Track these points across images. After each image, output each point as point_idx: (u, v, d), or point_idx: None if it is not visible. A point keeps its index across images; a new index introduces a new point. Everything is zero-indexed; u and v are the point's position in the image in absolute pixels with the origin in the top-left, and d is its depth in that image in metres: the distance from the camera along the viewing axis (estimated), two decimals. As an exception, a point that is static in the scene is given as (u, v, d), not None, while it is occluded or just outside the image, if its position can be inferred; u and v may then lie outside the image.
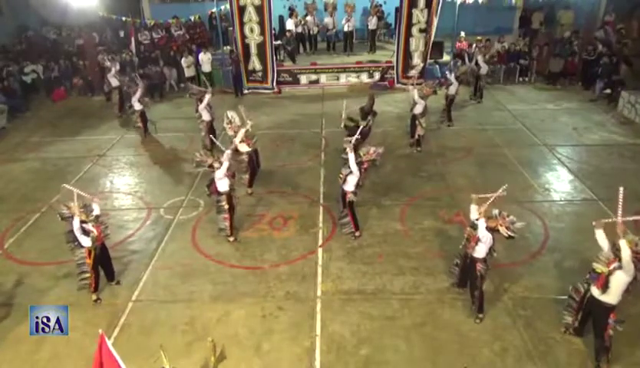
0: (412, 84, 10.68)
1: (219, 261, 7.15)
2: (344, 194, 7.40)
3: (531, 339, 5.59)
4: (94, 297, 6.35)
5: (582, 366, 5.28)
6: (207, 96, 10.43)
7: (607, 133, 11.46)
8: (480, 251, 5.65)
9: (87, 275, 6.25)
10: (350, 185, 7.26)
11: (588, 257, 6.83)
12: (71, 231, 6.04)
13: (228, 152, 7.42)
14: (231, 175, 7.39)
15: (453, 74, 11.86)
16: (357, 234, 7.58)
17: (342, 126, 9.51)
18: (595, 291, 5.15)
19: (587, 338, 5.54)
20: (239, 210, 8.22)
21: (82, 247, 6.11)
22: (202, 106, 10.35)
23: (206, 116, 10.44)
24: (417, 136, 10.42)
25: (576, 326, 5.57)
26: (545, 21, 18.05)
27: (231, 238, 7.61)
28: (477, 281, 5.74)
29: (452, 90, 11.78)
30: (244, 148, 8.79)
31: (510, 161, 10.08)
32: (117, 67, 13.56)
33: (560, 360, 5.33)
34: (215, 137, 10.68)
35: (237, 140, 8.47)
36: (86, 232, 6.00)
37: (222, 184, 7.29)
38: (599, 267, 5.12)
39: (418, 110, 10.15)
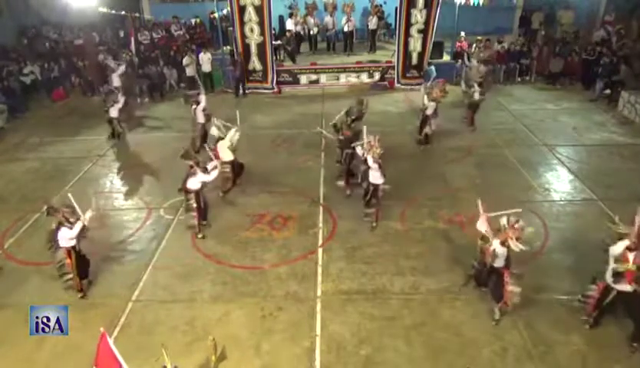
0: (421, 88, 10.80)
1: (219, 261, 7.15)
2: (374, 189, 7.50)
3: (531, 339, 5.59)
4: (80, 295, 6.41)
5: (582, 367, 5.28)
6: (202, 98, 10.50)
7: (607, 133, 11.46)
8: (500, 261, 5.58)
9: (71, 275, 6.29)
10: (377, 178, 7.39)
11: (587, 258, 6.88)
12: (53, 232, 6.13)
13: (216, 163, 7.66)
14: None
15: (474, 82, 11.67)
16: (374, 224, 7.76)
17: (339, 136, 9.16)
18: (628, 287, 5.19)
19: (586, 338, 5.55)
20: (238, 210, 8.26)
21: (60, 247, 6.17)
22: (199, 108, 10.38)
23: (200, 119, 10.49)
24: (424, 134, 10.51)
25: (592, 320, 5.66)
26: (546, 21, 18.06)
27: (199, 235, 7.69)
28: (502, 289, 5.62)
29: (476, 96, 11.50)
30: (228, 156, 8.53)
31: (510, 161, 10.08)
32: (122, 69, 13.58)
33: (560, 360, 5.33)
34: (206, 140, 10.73)
35: (226, 144, 8.49)
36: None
37: (193, 183, 7.41)
38: (621, 267, 5.15)
39: (430, 111, 10.31)
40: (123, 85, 13.58)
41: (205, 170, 7.49)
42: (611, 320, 5.82)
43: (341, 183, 8.81)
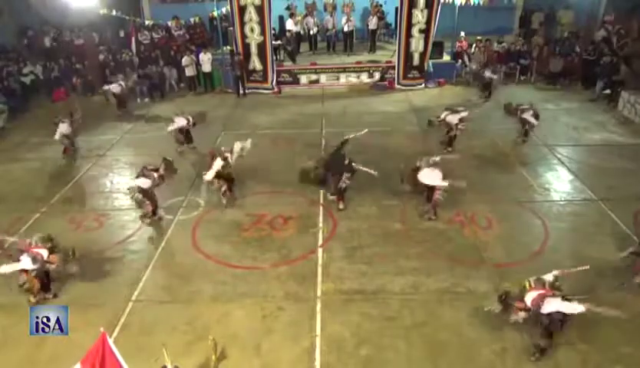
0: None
1: (219, 261, 7.15)
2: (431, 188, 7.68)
3: (531, 339, 5.58)
4: (33, 300, 6.19)
5: (582, 366, 5.27)
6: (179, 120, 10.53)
7: (607, 133, 11.47)
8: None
9: (28, 282, 6.14)
10: (437, 180, 7.54)
11: (588, 257, 6.89)
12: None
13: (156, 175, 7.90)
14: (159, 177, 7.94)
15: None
16: (433, 217, 7.96)
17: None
18: None
19: (587, 338, 5.55)
20: (238, 210, 8.31)
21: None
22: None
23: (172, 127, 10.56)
24: (452, 135, 10.44)
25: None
26: (546, 21, 18.07)
27: (147, 221, 8.04)
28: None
29: (528, 116, 10.48)
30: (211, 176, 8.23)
31: (510, 161, 10.09)
32: (118, 86, 13.47)
33: (560, 360, 5.33)
34: (190, 140, 10.83)
35: (212, 171, 8.14)
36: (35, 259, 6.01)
37: (144, 182, 7.72)
38: None
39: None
40: (122, 92, 13.55)
41: (160, 180, 7.91)
42: (611, 322, 5.83)
43: (333, 197, 8.52)
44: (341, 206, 8.37)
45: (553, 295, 5.11)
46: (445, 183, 7.52)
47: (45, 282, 6.38)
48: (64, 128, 10.26)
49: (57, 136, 10.28)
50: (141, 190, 7.78)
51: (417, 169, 7.71)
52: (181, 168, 10.22)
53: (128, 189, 7.99)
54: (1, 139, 12.25)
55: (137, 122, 13.15)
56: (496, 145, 10.88)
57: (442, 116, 10.28)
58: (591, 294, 6.07)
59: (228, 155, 8.39)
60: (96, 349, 4.06)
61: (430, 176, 7.60)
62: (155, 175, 7.86)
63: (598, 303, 5.89)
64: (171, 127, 10.50)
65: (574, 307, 4.91)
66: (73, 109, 10.60)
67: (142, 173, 7.86)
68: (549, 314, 5.03)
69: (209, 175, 8.14)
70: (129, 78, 13.97)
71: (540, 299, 5.07)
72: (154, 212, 8.11)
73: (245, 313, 6.11)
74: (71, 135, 10.50)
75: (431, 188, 7.70)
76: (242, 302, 6.31)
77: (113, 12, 15.72)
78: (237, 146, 8.60)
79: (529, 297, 5.15)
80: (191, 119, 10.55)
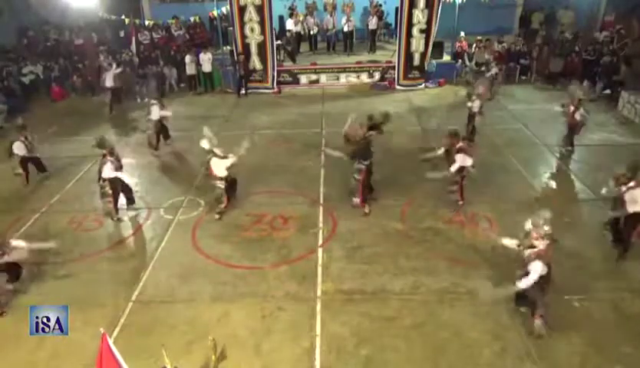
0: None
1: (219, 261, 7.15)
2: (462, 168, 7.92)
3: (531, 339, 5.58)
4: None
5: (581, 366, 5.28)
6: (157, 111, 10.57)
7: (607, 133, 11.47)
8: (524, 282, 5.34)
9: None
10: (469, 161, 7.83)
11: (587, 257, 6.91)
12: None
13: (119, 174, 7.94)
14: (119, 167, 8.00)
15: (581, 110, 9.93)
16: (460, 202, 8.17)
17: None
18: None
19: (586, 338, 5.55)
20: (238, 210, 8.30)
21: None
22: (156, 108, 10.54)
23: (155, 116, 10.58)
24: (471, 128, 10.52)
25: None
26: (546, 21, 18.08)
27: (115, 217, 8.15)
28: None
29: (578, 116, 9.85)
30: (222, 172, 7.99)
31: (510, 161, 10.08)
32: (115, 68, 13.55)
33: (560, 360, 5.33)
34: (167, 135, 10.95)
35: (224, 165, 7.87)
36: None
37: (107, 172, 7.80)
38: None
39: (476, 109, 10.42)
40: (116, 85, 13.59)
41: (119, 163, 7.94)
42: (611, 322, 5.84)
43: (357, 200, 8.20)
44: (366, 210, 8.17)
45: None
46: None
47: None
48: (18, 148, 9.17)
49: (17, 151, 9.23)
50: (104, 180, 7.89)
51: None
52: (181, 168, 10.30)
53: (99, 185, 8.08)
54: (0, 139, 12.23)
55: (137, 122, 13.14)
56: (496, 145, 10.87)
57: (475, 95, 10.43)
58: (589, 294, 6.13)
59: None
60: (99, 351, 4.07)
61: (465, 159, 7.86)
62: (110, 158, 7.80)
63: (598, 304, 5.97)
64: (156, 115, 10.48)
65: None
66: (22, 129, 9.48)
67: (101, 163, 7.89)
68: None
69: (229, 162, 7.86)
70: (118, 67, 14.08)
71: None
72: (116, 208, 8.16)
73: (245, 313, 6.10)
74: (28, 155, 9.42)
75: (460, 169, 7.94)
76: (242, 302, 6.31)
77: (112, 17, 15.73)
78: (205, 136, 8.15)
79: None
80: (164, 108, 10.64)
